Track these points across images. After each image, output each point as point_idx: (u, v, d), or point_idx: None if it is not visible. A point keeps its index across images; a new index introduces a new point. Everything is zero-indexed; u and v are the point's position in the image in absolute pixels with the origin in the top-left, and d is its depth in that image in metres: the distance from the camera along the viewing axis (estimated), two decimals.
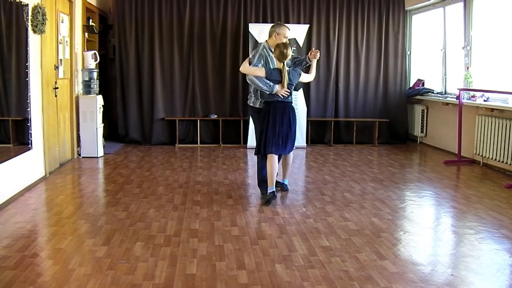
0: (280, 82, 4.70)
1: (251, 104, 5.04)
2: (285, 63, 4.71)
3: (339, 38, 8.44)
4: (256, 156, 5.06)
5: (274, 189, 4.82)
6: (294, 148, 5.02)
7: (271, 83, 4.72)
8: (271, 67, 4.78)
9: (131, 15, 8.03)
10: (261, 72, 4.72)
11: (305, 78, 5.03)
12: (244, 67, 4.88)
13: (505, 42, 6.46)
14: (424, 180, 5.96)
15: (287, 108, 4.82)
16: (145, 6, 8.03)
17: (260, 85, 4.75)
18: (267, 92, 4.77)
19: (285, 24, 5.02)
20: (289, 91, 4.77)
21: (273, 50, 4.81)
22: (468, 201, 4.96)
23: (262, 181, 4.96)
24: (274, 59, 4.79)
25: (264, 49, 4.84)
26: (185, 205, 4.68)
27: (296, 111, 5.01)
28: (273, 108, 4.80)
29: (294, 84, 4.87)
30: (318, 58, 5.05)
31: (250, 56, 5.09)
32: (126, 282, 2.97)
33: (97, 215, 4.33)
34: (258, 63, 4.80)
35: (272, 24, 5.17)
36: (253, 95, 5.00)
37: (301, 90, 7.98)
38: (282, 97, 4.75)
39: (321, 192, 5.24)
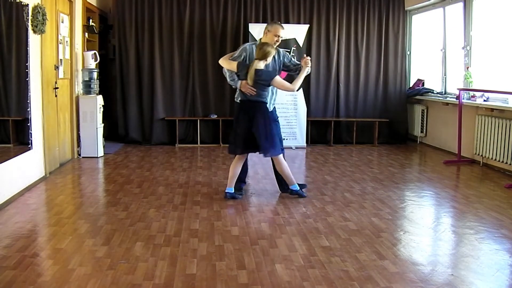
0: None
1: (235, 100, 4.95)
2: (257, 61, 4.56)
3: (339, 38, 8.44)
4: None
5: (231, 191, 4.87)
6: (280, 152, 4.77)
7: (236, 78, 4.72)
8: (247, 63, 4.70)
9: (131, 15, 8.03)
10: (233, 65, 4.71)
11: (279, 84, 4.64)
12: (221, 59, 4.88)
13: (505, 42, 6.46)
14: (424, 180, 5.96)
15: (253, 107, 4.66)
16: (145, 6, 8.03)
17: (228, 79, 4.82)
18: (234, 87, 4.79)
19: (280, 23, 4.92)
20: (254, 89, 4.59)
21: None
22: (468, 201, 4.96)
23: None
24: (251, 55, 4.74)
25: (253, 46, 4.83)
26: (185, 205, 4.68)
27: (271, 110, 4.80)
28: (240, 107, 4.80)
29: (265, 84, 4.60)
30: (309, 65, 4.73)
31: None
32: (126, 282, 2.97)
33: (97, 215, 4.33)
34: (237, 57, 4.79)
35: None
36: (237, 91, 4.90)
37: (301, 90, 7.99)
38: (249, 94, 4.64)
39: (321, 192, 5.24)
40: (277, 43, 4.83)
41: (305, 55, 4.87)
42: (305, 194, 5.00)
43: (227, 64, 4.78)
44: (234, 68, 4.71)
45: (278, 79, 4.63)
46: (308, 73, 4.93)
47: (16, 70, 5.08)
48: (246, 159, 5.06)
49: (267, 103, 4.76)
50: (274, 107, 5.05)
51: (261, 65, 4.59)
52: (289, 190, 4.96)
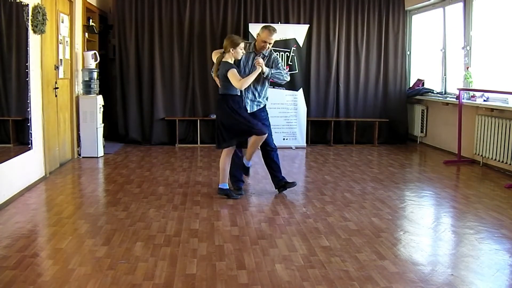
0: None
1: None
2: (226, 54, 4.69)
3: (339, 38, 8.45)
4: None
5: (224, 186, 4.92)
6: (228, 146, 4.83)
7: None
8: (243, 62, 4.89)
9: (131, 15, 8.03)
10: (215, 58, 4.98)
11: (230, 78, 4.63)
12: (214, 52, 5.17)
13: (505, 42, 6.46)
14: (424, 180, 5.96)
15: (220, 99, 4.90)
16: (145, 6, 8.03)
17: (211, 70, 5.16)
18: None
19: (271, 28, 4.87)
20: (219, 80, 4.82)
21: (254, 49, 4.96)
22: (468, 201, 4.96)
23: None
24: (244, 55, 4.84)
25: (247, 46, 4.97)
26: (185, 205, 4.68)
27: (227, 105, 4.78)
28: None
29: (223, 74, 4.70)
30: (261, 67, 4.72)
31: None
32: (126, 282, 2.97)
33: (97, 215, 4.33)
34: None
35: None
36: None
37: (301, 90, 8.00)
38: (219, 86, 4.90)
39: (321, 192, 5.24)
40: (264, 49, 4.90)
41: (257, 57, 4.88)
42: (236, 196, 4.94)
43: (213, 56, 5.02)
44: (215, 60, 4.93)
45: (231, 72, 4.65)
46: (265, 75, 4.85)
47: (16, 70, 5.08)
48: (238, 155, 5.05)
49: (234, 94, 4.76)
50: (264, 109, 5.05)
51: (227, 57, 4.70)
52: (218, 188, 4.98)
